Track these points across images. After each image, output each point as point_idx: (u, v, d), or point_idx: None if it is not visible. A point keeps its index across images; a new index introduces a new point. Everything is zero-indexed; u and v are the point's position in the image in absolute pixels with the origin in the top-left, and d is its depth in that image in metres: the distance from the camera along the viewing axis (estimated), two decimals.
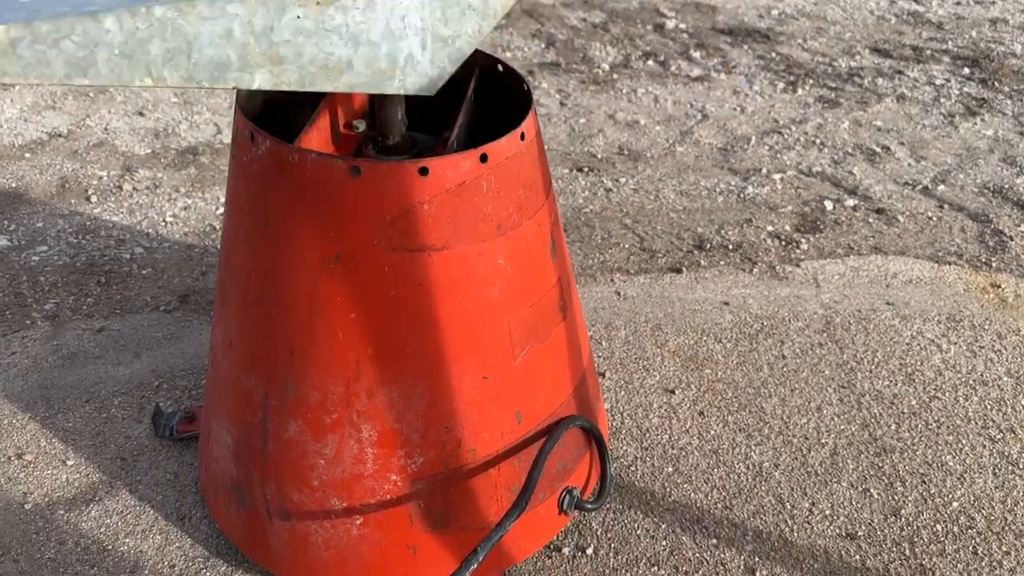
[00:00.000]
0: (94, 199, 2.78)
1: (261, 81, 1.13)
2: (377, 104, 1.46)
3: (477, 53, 1.54)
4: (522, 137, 1.38)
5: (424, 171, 1.27)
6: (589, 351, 1.76)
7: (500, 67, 1.59)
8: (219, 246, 2.51)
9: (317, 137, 1.46)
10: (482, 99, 1.59)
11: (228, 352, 1.51)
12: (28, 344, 2.16)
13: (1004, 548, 1.75)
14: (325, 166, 1.27)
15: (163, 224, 2.67)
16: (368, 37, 1.13)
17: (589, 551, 1.70)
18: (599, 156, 3.27)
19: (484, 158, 1.31)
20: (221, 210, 2.76)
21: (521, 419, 1.51)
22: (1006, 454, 1.97)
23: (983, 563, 1.72)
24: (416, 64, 1.17)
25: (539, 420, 1.55)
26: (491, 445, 1.49)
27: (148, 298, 2.34)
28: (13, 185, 2.82)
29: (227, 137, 3.21)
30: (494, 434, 1.49)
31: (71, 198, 2.78)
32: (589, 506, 1.66)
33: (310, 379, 1.40)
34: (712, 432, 2.00)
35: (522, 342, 1.47)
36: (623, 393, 2.10)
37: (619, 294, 2.47)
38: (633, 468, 1.89)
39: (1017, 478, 1.91)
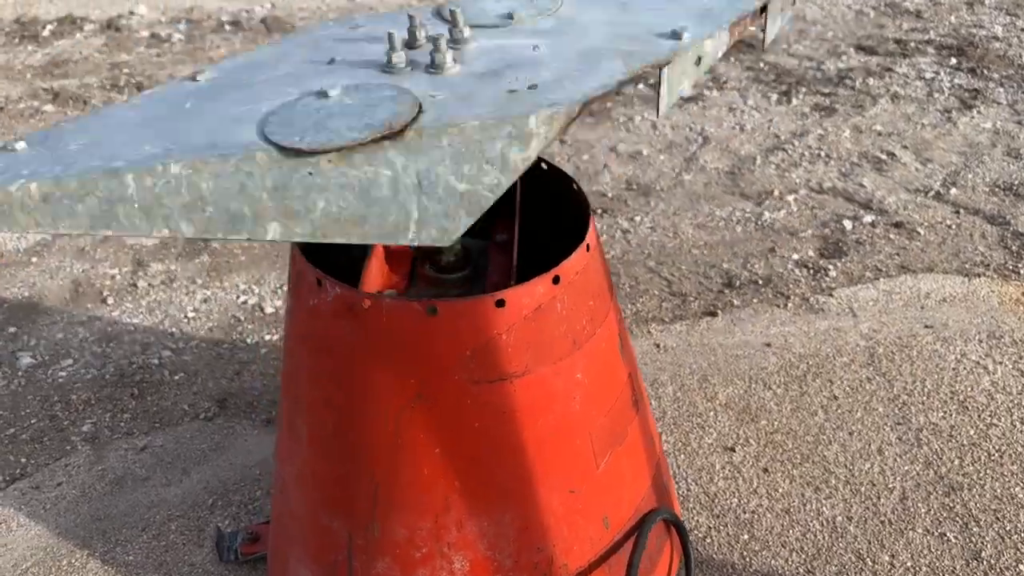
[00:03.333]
0: (111, 301, 2.72)
1: (274, 234, 1.11)
2: None
3: None
4: (587, 248, 1.35)
5: (501, 303, 1.24)
6: (655, 429, 1.74)
7: (544, 165, 1.56)
8: (257, 347, 2.46)
9: (376, 265, 1.42)
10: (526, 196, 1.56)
11: (302, 488, 1.47)
12: (72, 472, 2.11)
13: None
14: (401, 310, 1.23)
15: (185, 321, 2.62)
16: (379, 193, 1.10)
17: None
18: (609, 195, 3.25)
19: (557, 280, 1.28)
20: (242, 298, 2.72)
21: (608, 524, 1.49)
22: None
23: None
24: (430, 217, 1.12)
25: (624, 521, 1.52)
26: (582, 557, 1.46)
27: (186, 406, 2.29)
28: (25, 294, 2.76)
29: None
30: (583, 545, 1.46)
31: (87, 302, 2.72)
32: None
33: (396, 517, 1.37)
34: (780, 489, 1.98)
35: (604, 449, 1.45)
36: (683, 456, 2.08)
37: (658, 346, 2.45)
38: (708, 540, 1.87)
39: None
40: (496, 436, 1.32)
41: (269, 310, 2.66)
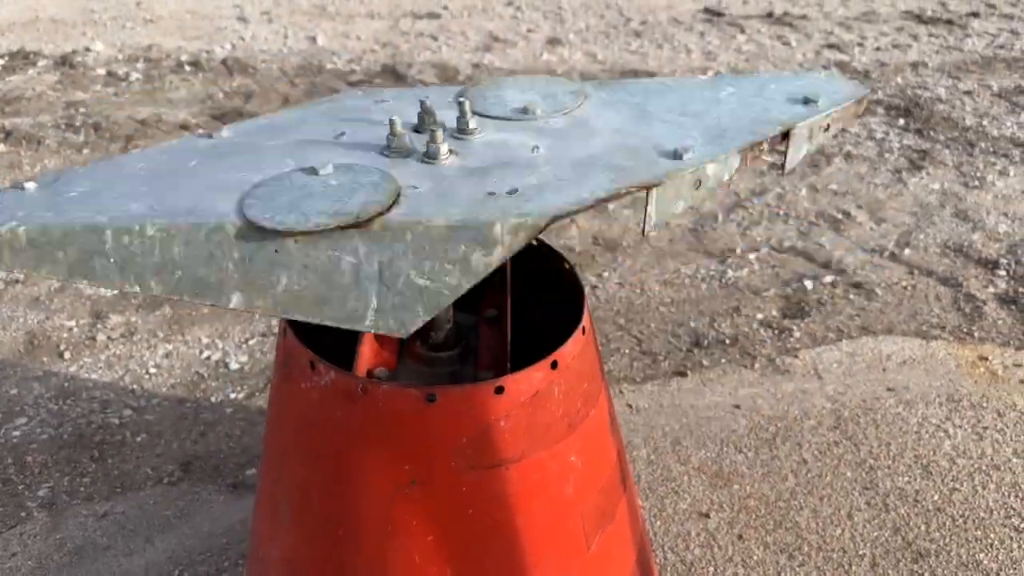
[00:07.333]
0: (67, 355, 2.63)
1: (236, 303, 1.13)
2: None
3: None
4: (583, 331, 1.36)
5: (500, 390, 1.23)
6: (639, 503, 1.74)
7: (534, 242, 1.57)
8: (222, 407, 2.40)
9: (368, 342, 1.41)
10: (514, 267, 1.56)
11: (284, 572, 1.43)
12: (28, 541, 2.02)
13: None
14: (399, 396, 1.22)
15: (147, 377, 2.55)
16: (341, 278, 1.11)
17: None
18: (577, 250, 3.27)
19: (555, 365, 1.29)
20: (205, 353, 2.65)
21: None
22: None
23: None
24: (388, 308, 1.12)
25: None
26: None
27: (148, 470, 2.22)
28: None
29: None
30: None
31: (42, 356, 2.63)
32: None
33: None
34: (755, 557, 1.99)
35: (594, 530, 1.44)
36: (659, 523, 2.08)
37: (631, 407, 2.46)
38: None
39: None
40: (490, 522, 1.31)
41: (234, 366, 2.60)
